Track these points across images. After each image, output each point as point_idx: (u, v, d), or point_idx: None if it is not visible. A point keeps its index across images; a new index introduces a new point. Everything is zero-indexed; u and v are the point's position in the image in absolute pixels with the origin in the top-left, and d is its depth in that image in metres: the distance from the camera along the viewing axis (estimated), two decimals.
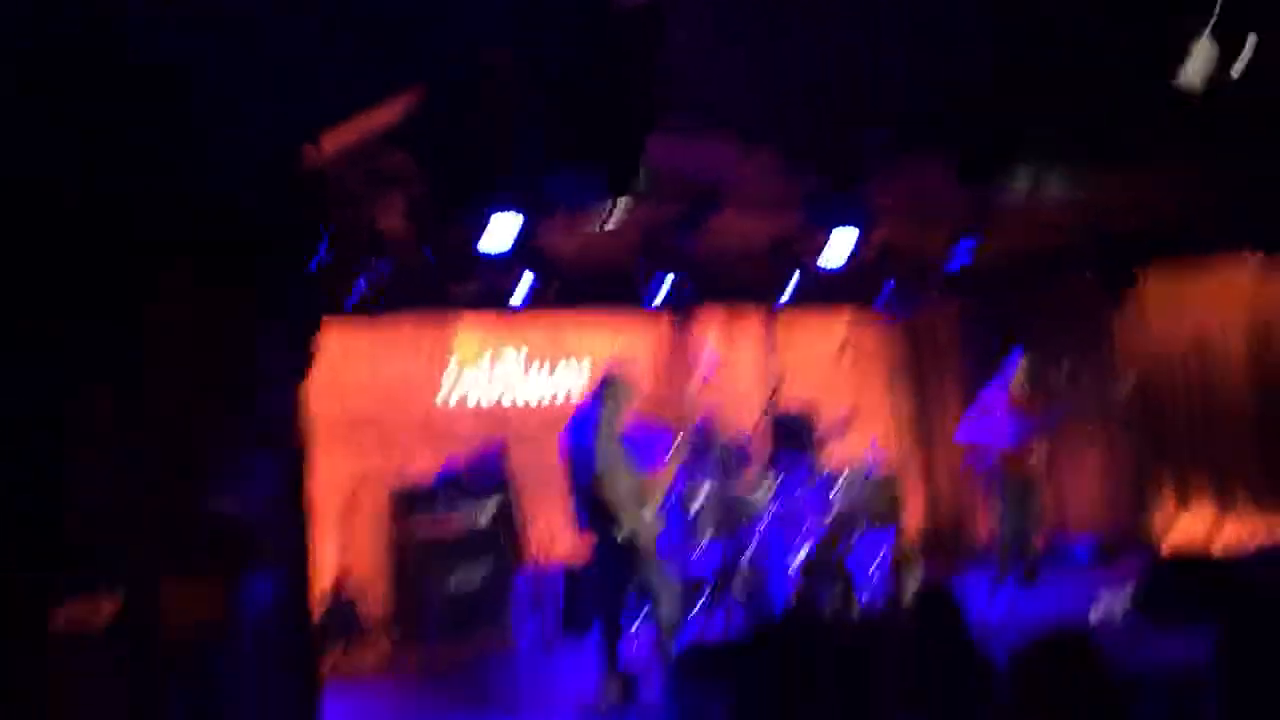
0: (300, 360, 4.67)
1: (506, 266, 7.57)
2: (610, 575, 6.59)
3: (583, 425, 6.42)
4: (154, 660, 4.56)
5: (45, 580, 4.38)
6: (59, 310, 4.30)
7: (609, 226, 4.94)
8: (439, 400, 9.27)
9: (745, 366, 10.76)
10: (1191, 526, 10.07)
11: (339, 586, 7.95)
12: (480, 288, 7.60)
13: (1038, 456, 9.03)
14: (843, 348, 9.32)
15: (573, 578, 8.13)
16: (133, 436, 4.55)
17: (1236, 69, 4.40)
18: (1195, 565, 7.29)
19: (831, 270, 8.43)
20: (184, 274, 4.66)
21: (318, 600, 7.84)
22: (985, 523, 9.98)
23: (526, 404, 9.77)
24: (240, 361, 4.79)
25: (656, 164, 4.57)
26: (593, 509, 6.34)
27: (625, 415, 6.58)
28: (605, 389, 6.54)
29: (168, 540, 4.59)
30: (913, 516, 11.05)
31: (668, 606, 6.40)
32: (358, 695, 6.95)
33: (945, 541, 11.57)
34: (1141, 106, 5.83)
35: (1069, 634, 3.21)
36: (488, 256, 6.82)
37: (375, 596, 8.48)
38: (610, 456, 6.32)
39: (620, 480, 6.39)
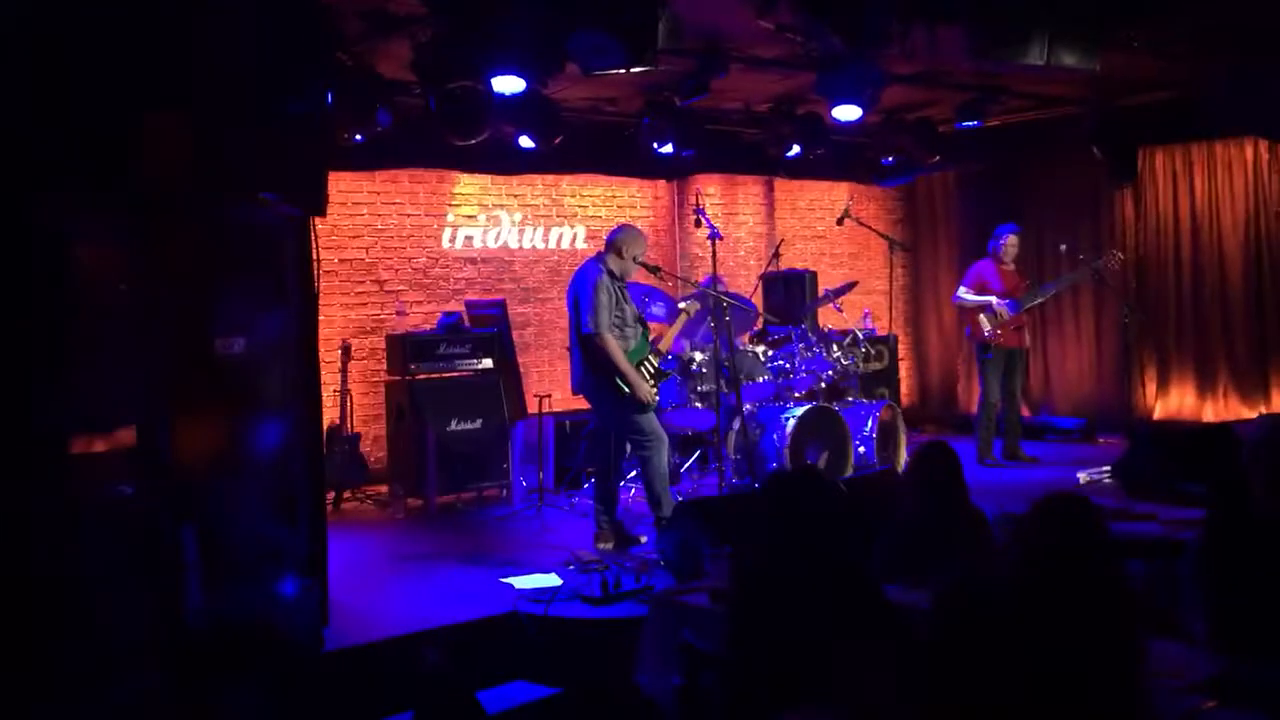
0: (311, 201, 4.64)
1: (509, 121, 7.50)
2: (607, 428, 6.71)
3: (583, 279, 6.44)
4: (166, 493, 4.65)
5: (60, 415, 4.43)
6: (61, 156, 4.25)
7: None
8: (435, 250, 9.28)
9: (745, 232, 10.76)
10: (1173, 406, 10.25)
11: (337, 432, 8.07)
12: (480, 144, 7.52)
13: (1025, 329, 9.15)
14: (842, 217, 9.30)
15: (566, 431, 8.28)
16: (141, 278, 4.56)
17: None
18: (1176, 436, 7.46)
19: (838, 129, 8.38)
20: (186, 117, 4.60)
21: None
22: (973, 392, 10.12)
23: (525, 255, 9.80)
24: (249, 203, 4.77)
25: (676, 13, 4.50)
26: (593, 362, 6.42)
27: (634, 271, 6.61)
28: (611, 240, 6.56)
29: (179, 379, 4.63)
30: (904, 385, 11.21)
31: (663, 460, 6.53)
32: (357, 539, 7.11)
33: (934, 410, 11.78)
34: None
35: (1071, 496, 3.30)
36: (491, 110, 6.77)
37: (373, 442, 8.65)
38: (610, 310, 6.37)
39: (624, 334, 6.46)
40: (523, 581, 5.78)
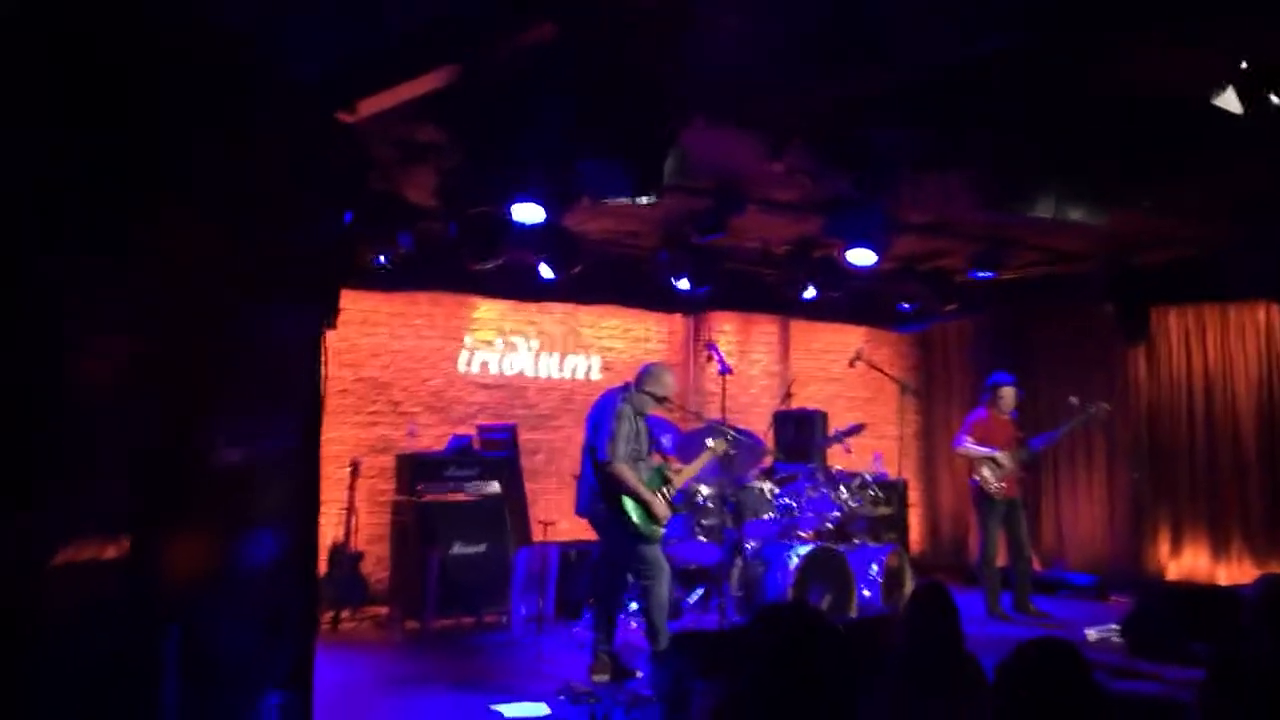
0: (323, 314, 4.73)
1: (528, 249, 7.67)
2: (611, 557, 6.67)
3: (605, 407, 6.50)
4: (153, 605, 4.63)
5: (45, 520, 4.44)
6: (62, 245, 4.36)
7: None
8: (451, 373, 9.39)
9: (759, 370, 10.85)
10: (1186, 566, 10.10)
11: (340, 551, 8.05)
12: (499, 271, 7.69)
13: (1016, 484, 8.99)
14: (855, 359, 9.36)
15: (570, 559, 8.22)
16: (141, 379, 4.62)
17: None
18: (1185, 597, 7.34)
19: (854, 272, 8.49)
20: (200, 213, 4.71)
21: (321, 564, 7.98)
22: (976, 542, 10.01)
23: (540, 383, 9.90)
24: (262, 312, 4.86)
25: (687, 150, 4.64)
26: (605, 490, 6.41)
27: (653, 406, 6.66)
28: (641, 376, 6.63)
29: (173, 488, 4.65)
30: (914, 531, 11.10)
31: (664, 593, 6.47)
32: (351, 659, 7.02)
33: (945, 559, 11.63)
34: (1169, 138, 5.92)
35: (1058, 641, 3.26)
36: (510, 237, 6.94)
37: (376, 562, 8.60)
38: (629, 442, 6.41)
39: (638, 466, 6.49)
40: (512, 709, 5.68)
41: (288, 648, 4.91)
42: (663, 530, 6.63)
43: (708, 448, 7.07)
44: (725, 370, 7.48)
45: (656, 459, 6.92)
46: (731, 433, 7.13)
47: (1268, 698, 3.71)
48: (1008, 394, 8.92)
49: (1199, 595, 7.50)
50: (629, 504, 6.39)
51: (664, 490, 6.65)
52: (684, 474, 6.94)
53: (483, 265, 6.70)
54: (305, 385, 4.70)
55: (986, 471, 8.74)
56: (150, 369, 4.61)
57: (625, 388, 6.64)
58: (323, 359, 4.77)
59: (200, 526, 4.75)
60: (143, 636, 4.51)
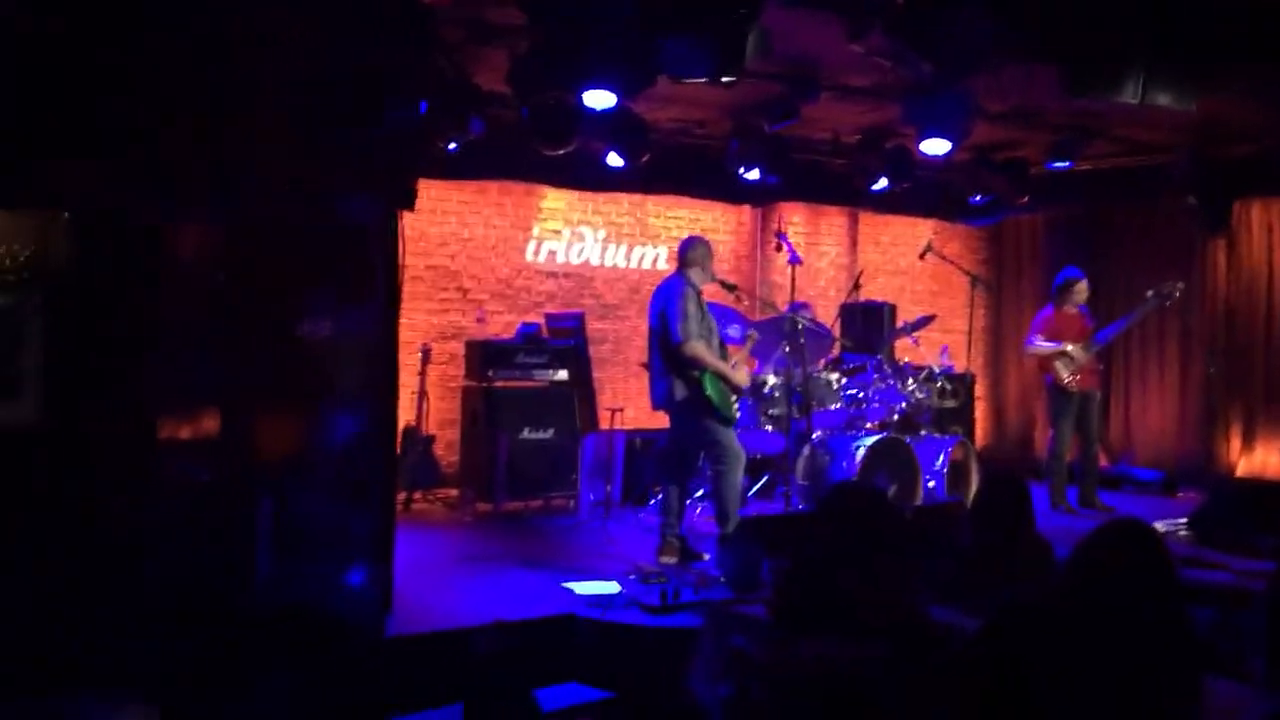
0: (400, 199, 4.79)
1: (599, 137, 7.64)
2: (683, 442, 6.72)
3: (670, 291, 6.50)
4: (246, 478, 4.81)
5: (145, 397, 4.61)
6: (150, 147, 4.45)
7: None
8: (519, 262, 9.46)
9: (826, 263, 10.78)
10: (1256, 463, 9.99)
11: (412, 434, 8.23)
12: (567, 160, 7.66)
13: (1098, 373, 8.92)
14: (925, 251, 9.26)
15: (636, 447, 8.34)
16: (228, 269, 4.74)
17: None
18: (1255, 491, 7.29)
19: (926, 162, 8.35)
20: (281, 113, 4.78)
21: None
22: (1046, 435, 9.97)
23: (607, 272, 9.94)
24: (341, 198, 4.93)
25: (766, 30, 4.56)
26: (681, 372, 6.43)
27: (706, 280, 6.64)
28: (687, 254, 6.60)
29: (265, 361, 4.80)
30: (980, 425, 11.08)
31: (738, 479, 6.53)
32: (424, 538, 7.23)
33: (1010, 453, 11.61)
34: (1260, 17, 5.70)
35: (1137, 521, 3.27)
36: (582, 123, 6.90)
37: (447, 446, 8.79)
38: (698, 322, 6.41)
39: (710, 345, 6.51)
40: (583, 587, 5.83)
41: (370, 521, 5.09)
42: (738, 410, 6.66)
43: (747, 337, 7.04)
44: (795, 260, 7.44)
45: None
46: (803, 320, 7.11)
47: None
48: (1079, 288, 8.77)
49: (1269, 490, 7.45)
50: (708, 382, 6.39)
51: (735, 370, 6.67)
52: (740, 358, 6.97)
53: (554, 152, 6.67)
54: (382, 267, 4.78)
55: (1059, 366, 8.64)
56: (238, 252, 4.74)
57: (680, 272, 6.61)
58: (399, 243, 4.84)
59: (288, 404, 4.93)
60: (238, 507, 4.72)
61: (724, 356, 6.71)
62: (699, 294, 6.52)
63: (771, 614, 3.80)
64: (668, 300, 6.43)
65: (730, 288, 7.11)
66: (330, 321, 4.61)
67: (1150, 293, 8.80)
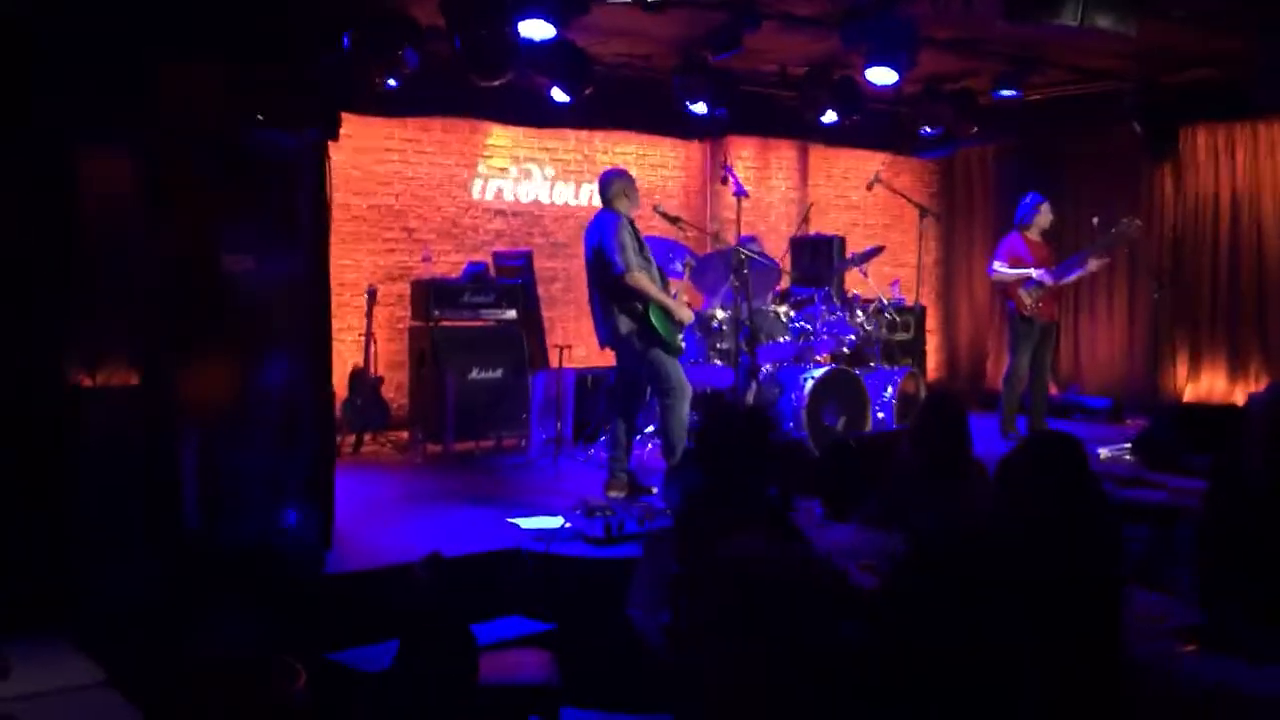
0: (324, 129, 4.69)
1: (539, 70, 7.50)
2: (631, 375, 6.70)
3: (603, 224, 6.44)
4: (170, 428, 4.74)
5: (60, 340, 4.52)
6: (72, 80, 4.32)
7: None
8: (465, 200, 9.34)
9: (777, 197, 10.72)
10: (1203, 389, 10.10)
11: (360, 376, 8.16)
12: (511, 95, 7.53)
13: (1054, 305, 8.94)
14: (872, 182, 9.22)
15: (586, 385, 8.31)
16: (149, 207, 4.63)
17: None
18: (1194, 415, 7.37)
19: (875, 93, 8.28)
20: (208, 50, 4.66)
21: (339, 388, 8.10)
22: (1002, 366, 10.01)
23: (556, 210, 9.84)
24: (263, 136, 4.83)
25: None
26: (624, 305, 6.39)
27: (634, 209, 6.58)
28: (609, 189, 6.53)
29: (187, 301, 4.71)
30: (931, 358, 11.13)
31: (685, 412, 6.51)
32: (374, 479, 7.20)
33: (962, 385, 11.68)
34: None
35: (1059, 433, 3.29)
36: (519, 54, 6.77)
37: (397, 388, 8.72)
38: (636, 252, 6.36)
39: (649, 274, 6.46)
40: (529, 522, 5.83)
41: (303, 462, 5.05)
42: (683, 342, 6.64)
43: (685, 265, 7.02)
44: (740, 192, 7.39)
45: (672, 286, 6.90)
46: (748, 253, 7.07)
47: (1263, 503, 3.74)
48: (1044, 210, 8.73)
49: (1207, 413, 7.54)
50: (652, 313, 6.36)
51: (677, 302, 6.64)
52: (680, 290, 6.94)
53: (489, 83, 6.54)
54: (309, 204, 4.69)
55: (1023, 294, 8.61)
56: (156, 188, 4.63)
57: (608, 206, 6.54)
58: (326, 178, 4.75)
59: (213, 346, 4.85)
60: (162, 453, 4.66)
61: (665, 288, 6.68)
62: (632, 224, 6.47)
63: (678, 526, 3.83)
64: (603, 234, 6.38)
65: (673, 220, 7.05)
66: (255, 260, 4.52)
67: (1097, 220, 8.80)
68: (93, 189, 4.60)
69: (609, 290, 6.41)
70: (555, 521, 5.81)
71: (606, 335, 6.54)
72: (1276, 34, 7.25)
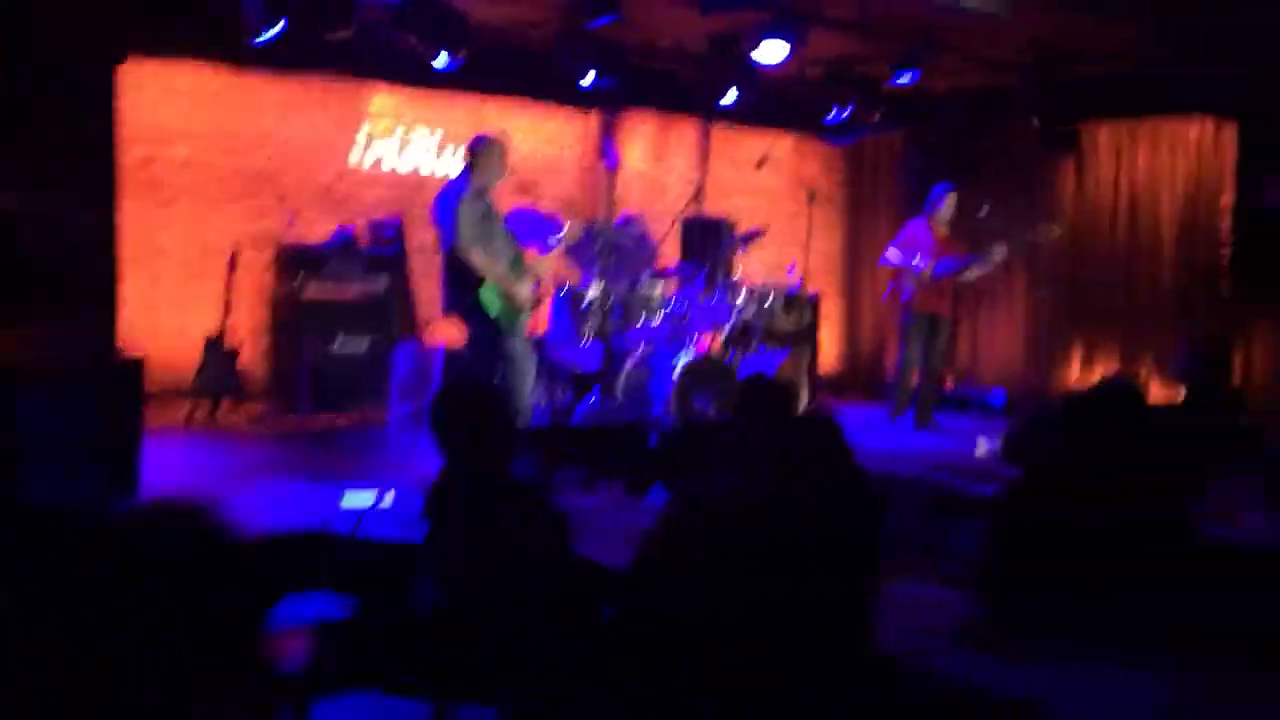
0: (105, 84, 4.37)
1: (405, 29, 7.19)
2: (479, 351, 6.47)
3: (449, 194, 6.19)
4: None
5: None
6: None
7: None
8: (343, 166, 8.95)
9: (675, 177, 10.49)
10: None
11: (215, 343, 7.81)
12: (395, 53, 7.23)
13: (947, 297, 8.85)
14: (761, 162, 9.03)
15: (452, 358, 8.03)
16: None
17: None
18: (1053, 408, 7.23)
19: (771, 73, 8.12)
20: None
21: (196, 355, 7.78)
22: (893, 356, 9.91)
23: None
24: (40, 68, 4.49)
25: None
26: (459, 280, 6.16)
27: (497, 183, 6.34)
28: (476, 151, 6.29)
29: None
30: (827, 347, 10.98)
31: (521, 386, 6.29)
32: (218, 449, 6.91)
33: (861, 373, 11.55)
34: None
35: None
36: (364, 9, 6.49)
37: (254, 356, 8.37)
38: (477, 225, 6.11)
39: (492, 249, 6.20)
40: (351, 499, 5.57)
41: (93, 426, 4.75)
42: (524, 321, 6.40)
43: (560, 236, 6.79)
44: (612, 165, 7.15)
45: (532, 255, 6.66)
46: (612, 235, 6.85)
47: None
48: (951, 202, 8.65)
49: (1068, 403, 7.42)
50: (484, 291, 6.12)
51: (522, 282, 6.39)
52: (543, 264, 6.68)
53: (334, 36, 6.24)
54: (91, 141, 4.37)
55: (906, 282, 8.54)
56: None
57: (464, 173, 6.30)
58: (112, 121, 4.43)
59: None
60: None
61: (519, 262, 6.43)
62: (485, 195, 6.21)
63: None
64: (444, 203, 6.14)
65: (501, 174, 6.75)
66: (17, 198, 4.20)
67: (986, 209, 8.71)
68: None
69: (450, 263, 6.18)
70: (384, 496, 5.56)
71: (445, 305, 6.33)
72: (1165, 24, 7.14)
